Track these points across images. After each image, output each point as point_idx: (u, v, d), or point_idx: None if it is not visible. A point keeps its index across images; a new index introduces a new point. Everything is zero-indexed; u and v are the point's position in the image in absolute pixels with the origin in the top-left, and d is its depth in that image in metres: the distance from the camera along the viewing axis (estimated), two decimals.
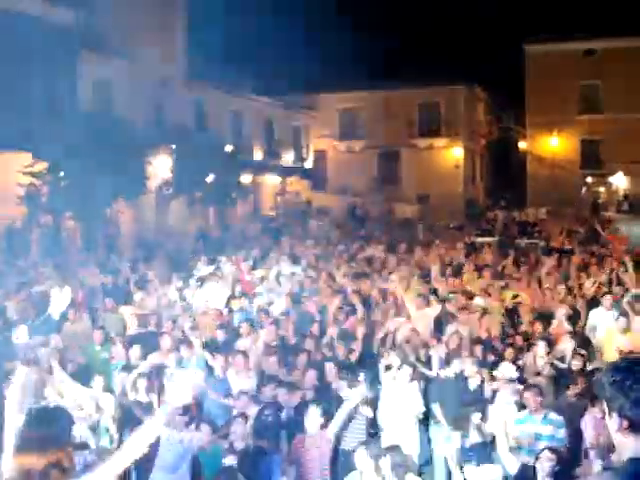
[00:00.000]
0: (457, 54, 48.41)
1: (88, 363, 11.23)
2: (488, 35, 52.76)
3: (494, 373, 9.41)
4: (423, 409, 9.48)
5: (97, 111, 25.97)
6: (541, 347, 10.15)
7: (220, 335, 11.94)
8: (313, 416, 7.98)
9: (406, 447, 8.32)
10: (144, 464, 8.54)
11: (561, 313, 12.32)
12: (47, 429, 3.50)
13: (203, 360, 10.91)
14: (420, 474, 8.11)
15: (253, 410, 8.70)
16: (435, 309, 13.33)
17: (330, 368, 9.94)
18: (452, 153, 48.88)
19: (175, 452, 8.04)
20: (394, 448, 7.81)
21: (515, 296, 14.90)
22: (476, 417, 8.18)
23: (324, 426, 8.01)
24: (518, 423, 8.06)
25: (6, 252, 22.04)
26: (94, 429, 8.99)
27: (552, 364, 10.08)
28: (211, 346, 11.11)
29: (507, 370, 9.21)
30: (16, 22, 24.54)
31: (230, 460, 8.03)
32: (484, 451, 7.96)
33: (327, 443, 7.93)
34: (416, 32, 52.20)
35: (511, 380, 9.09)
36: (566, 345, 10.75)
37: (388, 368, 9.82)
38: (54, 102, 26.33)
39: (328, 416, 8.05)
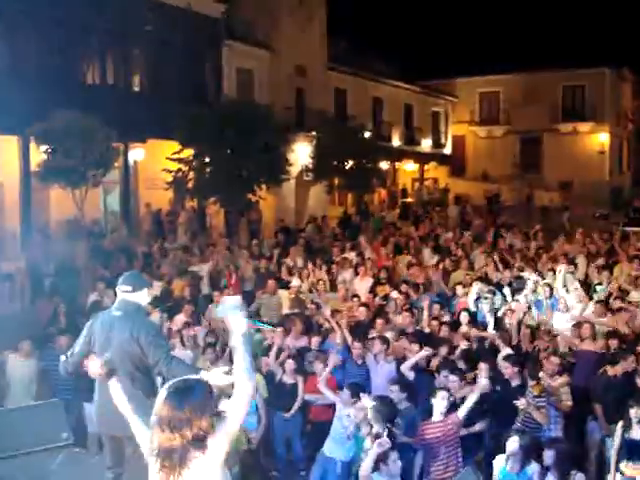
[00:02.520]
0: (603, 34, 46.42)
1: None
2: (636, 13, 50.40)
3: None
4: None
5: (240, 99, 26.48)
6: None
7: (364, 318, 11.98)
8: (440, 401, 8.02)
9: None
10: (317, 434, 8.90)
11: None
12: (187, 407, 3.62)
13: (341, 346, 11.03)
14: None
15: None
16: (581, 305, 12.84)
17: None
18: (597, 138, 47.02)
19: (344, 426, 8.52)
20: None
21: None
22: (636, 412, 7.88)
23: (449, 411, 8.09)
24: None
25: (155, 235, 22.94)
26: None
27: None
28: (356, 331, 11.14)
29: None
30: (165, 13, 25.38)
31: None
32: None
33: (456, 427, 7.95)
34: (560, 12, 50.52)
35: None
36: None
37: None
38: (200, 90, 27.08)
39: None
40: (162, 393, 3.74)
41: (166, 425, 3.62)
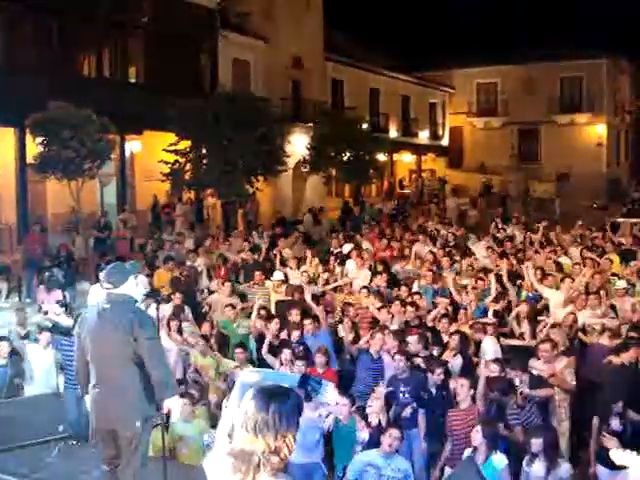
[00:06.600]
0: (602, 25, 46.31)
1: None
2: (634, 3, 50.29)
3: None
4: None
5: (236, 90, 26.39)
6: None
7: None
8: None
9: None
10: None
11: None
12: (273, 411, 3.23)
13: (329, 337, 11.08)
14: None
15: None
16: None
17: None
18: (595, 130, 46.88)
19: (315, 432, 8.08)
20: None
21: None
22: None
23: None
24: None
25: (152, 227, 22.91)
26: None
27: None
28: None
29: None
30: (161, 4, 25.30)
31: (365, 434, 8.10)
32: None
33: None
34: (558, 3, 50.40)
35: None
36: None
37: None
38: (196, 82, 27.00)
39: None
40: (250, 392, 3.35)
41: (251, 427, 3.24)
